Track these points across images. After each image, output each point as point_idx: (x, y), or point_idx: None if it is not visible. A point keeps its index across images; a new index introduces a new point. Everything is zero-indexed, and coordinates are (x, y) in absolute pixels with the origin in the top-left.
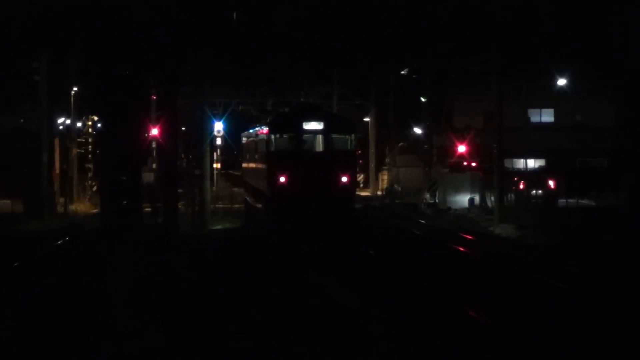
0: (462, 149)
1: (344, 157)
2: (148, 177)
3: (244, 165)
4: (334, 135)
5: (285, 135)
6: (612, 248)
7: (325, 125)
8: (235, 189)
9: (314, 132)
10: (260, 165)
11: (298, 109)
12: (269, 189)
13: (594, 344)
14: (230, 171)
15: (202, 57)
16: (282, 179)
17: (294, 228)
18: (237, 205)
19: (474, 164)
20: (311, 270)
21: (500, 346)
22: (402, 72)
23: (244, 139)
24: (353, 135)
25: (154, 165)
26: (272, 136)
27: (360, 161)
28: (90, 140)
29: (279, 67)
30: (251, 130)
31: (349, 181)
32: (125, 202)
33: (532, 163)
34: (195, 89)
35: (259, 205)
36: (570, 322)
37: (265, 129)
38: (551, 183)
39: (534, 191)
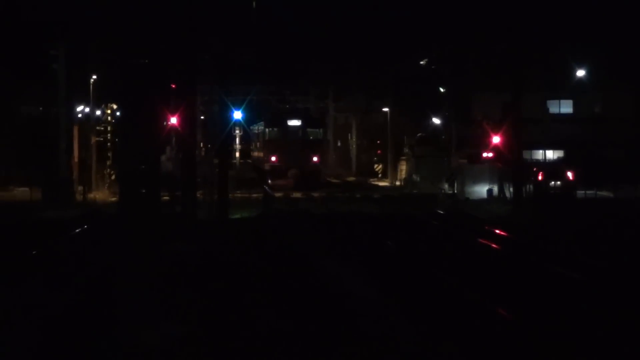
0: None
1: (315, 144)
2: (167, 165)
3: (252, 153)
4: (308, 129)
5: (275, 128)
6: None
7: (302, 122)
8: (254, 177)
9: (295, 127)
10: (260, 150)
11: (285, 110)
12: (265, 165)
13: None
14: (249, 160)
15: (222, 47)
16: (274, 158)
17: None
18: (255, 195)
19: (491, 155)
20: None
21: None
22: (421, 63)
23: (252, 130)
24: (322, 129)
25: (173, 154)
26: (267, 129)
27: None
28: (109, 128)
29: (298, 57)
30: (256, 124)
31: (319, 161)
32: (144, 190)
33: (550, 154)
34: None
35: (278, 195)
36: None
37: (262, 124)
38: (569, 174)
39: (553, 182)
